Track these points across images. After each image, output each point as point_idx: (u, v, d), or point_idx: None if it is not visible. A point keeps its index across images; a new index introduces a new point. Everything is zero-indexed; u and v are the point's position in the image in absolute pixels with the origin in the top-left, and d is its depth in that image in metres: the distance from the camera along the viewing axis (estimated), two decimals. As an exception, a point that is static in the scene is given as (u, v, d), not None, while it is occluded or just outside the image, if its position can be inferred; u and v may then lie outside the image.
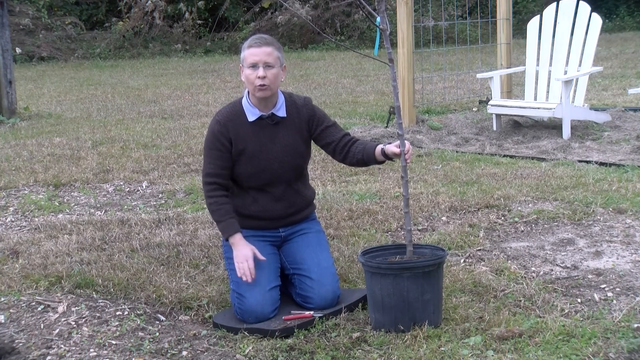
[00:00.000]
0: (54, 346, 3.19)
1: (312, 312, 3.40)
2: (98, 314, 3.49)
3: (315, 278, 3.47)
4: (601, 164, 6.07)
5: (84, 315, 3.47)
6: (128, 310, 3.55)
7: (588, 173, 5.71)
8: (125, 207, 5.43)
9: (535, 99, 7.73)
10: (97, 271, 4.00)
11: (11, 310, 3.55)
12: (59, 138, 8.05)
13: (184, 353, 3.16)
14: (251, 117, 3.52)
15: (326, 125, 3.59)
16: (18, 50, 18.30)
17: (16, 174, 6.41)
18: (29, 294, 3.73)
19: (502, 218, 4.77)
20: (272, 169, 3.52)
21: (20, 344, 3.19)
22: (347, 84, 12.72)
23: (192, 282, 3.86)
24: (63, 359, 3.10)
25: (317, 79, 13.62)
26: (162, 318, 3.50)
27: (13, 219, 5.21)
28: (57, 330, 3.34)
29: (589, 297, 3.55)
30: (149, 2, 20.22)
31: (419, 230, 4.60)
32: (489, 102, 7.70)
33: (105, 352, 3.15)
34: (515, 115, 7.71)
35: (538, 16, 7.83)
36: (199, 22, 21.44)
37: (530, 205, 4.99)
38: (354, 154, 3.52)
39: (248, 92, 3.54)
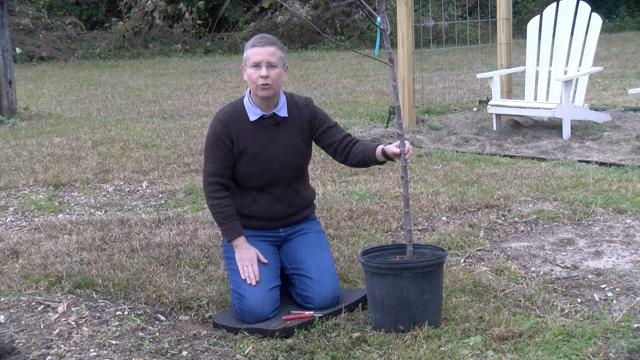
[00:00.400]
0: (54, 346, 3.19)
1: (312, 312, 3.40)
2: (98, 314, 3.49)
3: (315, 278, 3.47)
4: (601, 164, 6.07)
5: (84, 315, 3.47)
6: (128, 310, 3.55)
7: (588, 173, 5.71)
8: (125, 207, 5.43)
9: (535, 99, 7.73)
10: (97, 271, 4.00)
11: (11, 310, 3.55)
12: (59, 138, 8.05)
13: (184, 353, 3.16)
14: (253, 117, 3.51)
15: (327, 126, 3.60)
16: (18, 50, 18.30)
17: (16, 174, 6.41)
18: (29, 294, 3.73)
19: (502, 218, 4.77)
20: (272, 169, 3.52)
21: (20, 344, 3.19)
22: (347, 84, 12.72)
23: (192, 282, 3.85)
24: (63, 359, 3.10)
25: (317, 79, 13.62)
26: (162, 318, 3.50)
27: (13, 219, 5.22)
28: (57, 330, 3.34)
29: (589, 297, 3.55)
30: (149, 2, 20.22)
31: (419, 230, 4.61)
32: (489, 102, 7.70)
33: (105, 352, 3.15)
34: (515, 115, 7.72)
35: (538, 16, 7.83)
36: (199, 22, 21.44)
37: (530, 205, 4.99)
38: (355, 155, 3.52)
39: (250, 92, 3.53)
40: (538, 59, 7.78)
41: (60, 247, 4.44)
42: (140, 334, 3.32)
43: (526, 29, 7.92)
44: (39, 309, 3.56)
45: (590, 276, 3.80)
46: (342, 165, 4.01)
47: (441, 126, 7.92)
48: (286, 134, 3.54)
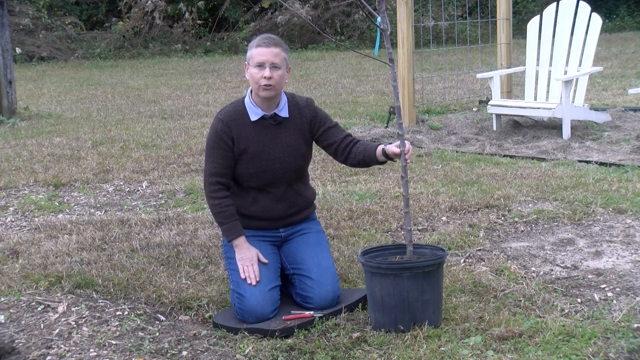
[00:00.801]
0: (54, 346, 3.19)
1: (312, 312, 3.40)
2: (98, 314, 3.49)
3: (315, 278, 3.48)
4: (601, 164, 6.07)
5: (84, 315, 3.47)
6: (128, 310, 3.55)
7: (588, 173, 5.71)
8: (125, 207, 5.43)
9: (535, 99, 7.73)
10: (97, 271, 4.00)
11: (11, 310, 3.55)
12: (59, 138, 8.05)
13: (184, 353, 3.16)
14: (254, 117, 3.52)
15: (328, 127, 3.60)
16: (18, 50, 18.31)
17: (16, 174, 6.41)
18: (29, 294, 3.73)
19: (502, 218, 4.77)
20: (273, 169, 3.52)
21: (20, 344, 3.19)
22: (347, 84, 12.72)
23: (192, 282, 3.85)
24: (63, 359, 3.10)
25: (317, 79, 13.62)
26: (162, 318, 3.50)
27: (13, 219, 5.21)
28: (57, 330, 3.34)
29: (589, 297, 3.55)
30: (149, 2, 20.22)
31: (419, 230, 4.61)
32: (489, 102, 7.70)
33: (105, 352, 3.15)
34: (515, 115, 7.72)
35: (538, 16, 7.83)
36: (199, 22, 21.44)
37: (530, 205, 4.99)
38: (355, 155, 3.52)
39: (251, 92, 3.54)
40: (538, 59, 7.78)
41: (60, 247, 4.44)
42: (140, 334, 3.32)
43: (526, 29, 7.92)
44: (39, 309, 3.56)
45: (590, 276, 3.80)
46: (342, 165, 4.02)
47: (441, 126, 7.92)
48: (287, 134, 3.54)
